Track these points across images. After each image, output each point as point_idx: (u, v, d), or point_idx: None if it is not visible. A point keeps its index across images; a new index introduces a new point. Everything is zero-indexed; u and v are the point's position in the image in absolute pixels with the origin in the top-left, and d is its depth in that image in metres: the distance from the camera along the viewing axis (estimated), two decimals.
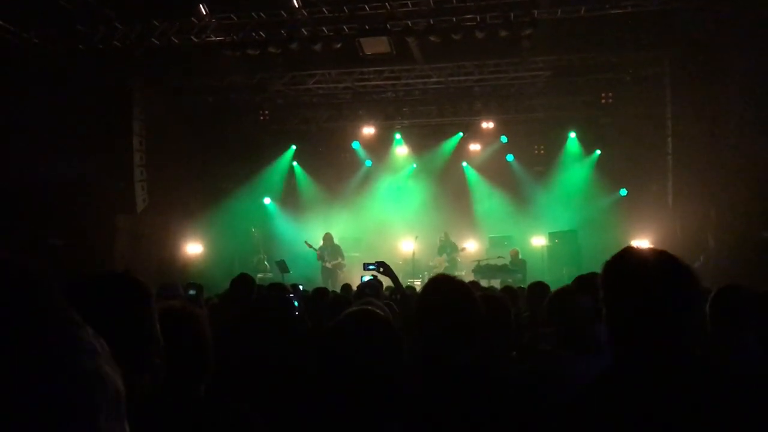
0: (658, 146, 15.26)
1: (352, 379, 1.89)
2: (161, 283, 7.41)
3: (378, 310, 2.20)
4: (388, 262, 5.38)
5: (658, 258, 1.93)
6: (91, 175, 13.36)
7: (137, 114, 14.85)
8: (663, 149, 15.00)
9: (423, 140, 19.14)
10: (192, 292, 9.44)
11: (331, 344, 1.98)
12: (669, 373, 1.81)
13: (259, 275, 15.77)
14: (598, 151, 17.75)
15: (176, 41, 13.14)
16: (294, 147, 19.31)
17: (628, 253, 1.99)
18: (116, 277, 2.04)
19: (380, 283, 6.58)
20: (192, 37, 13.07)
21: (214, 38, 13.17)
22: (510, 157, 18.68)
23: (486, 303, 3.80)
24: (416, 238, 16.69)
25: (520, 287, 9.02)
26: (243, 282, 5.86)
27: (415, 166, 19.44)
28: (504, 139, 18.41)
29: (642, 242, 15.41)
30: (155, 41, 13.14)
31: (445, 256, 17.02)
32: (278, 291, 5.72)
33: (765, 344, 3.88)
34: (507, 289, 7.42)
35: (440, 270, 15.84)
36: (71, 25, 12.62)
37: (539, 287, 6.47)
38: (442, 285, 2.86)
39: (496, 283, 12.93)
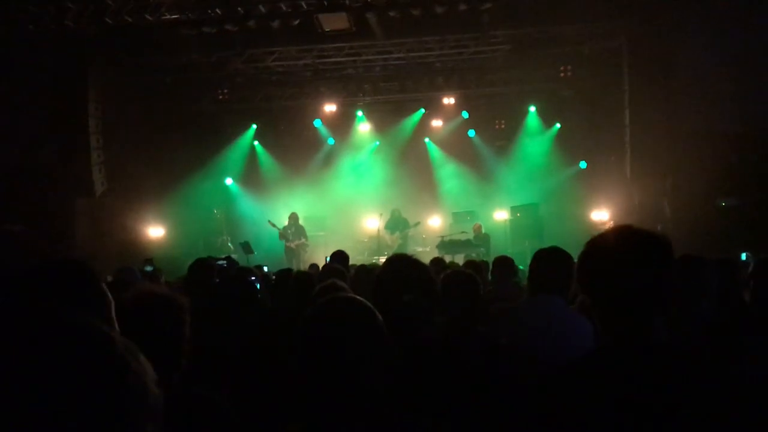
0: (617, 118, 15.46)
1: (339, 367, 1.87)
2: (117, 268, 7.33)
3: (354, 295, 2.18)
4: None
5: (626, 241, 1.97)
6: (48, 159, 13.10)
7: (93, 96, 14.48)
8: (621, 121, 15.21)
9: (385, 117, 19.07)
10: (149, 268, 9.33)
11: (316, 332, 1.93)
12: (641, 355, 1.86)
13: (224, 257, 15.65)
14: (558, 125, 17.90)
15: (130, 20, 12.85)
16: (255, 126, 19.04)
17: (596, 242, 2.02)
18: (66, 265, 2.03)
19: (345, 267, 6.51)
20: (147, 16, 12.78)
21: (169, 16, 12.88)
22: (471, 133, 18.76)
23: (453, 279, 3.86)
24: (381, 215, 16.69)
25: (484, 261, 9.12)
26: (201, 267, 5.70)
27: (378, 143, 19.39)
28: (465, 114, 18.47)
29: (601, 213, 15.72)
30: (109, 20, 12.82)
31: (397, 233, 16.99)
32: (240, 274, 5.64)
33: (724, 309, 4.03)
34: (470, 264, 7.50)
35: (394, 248, 15.91)
36: (20, 5, 12.24)
37: (506, 261, 6.55)
38: (398, 264, 2.91)
39: (460, 258, 13.04)
